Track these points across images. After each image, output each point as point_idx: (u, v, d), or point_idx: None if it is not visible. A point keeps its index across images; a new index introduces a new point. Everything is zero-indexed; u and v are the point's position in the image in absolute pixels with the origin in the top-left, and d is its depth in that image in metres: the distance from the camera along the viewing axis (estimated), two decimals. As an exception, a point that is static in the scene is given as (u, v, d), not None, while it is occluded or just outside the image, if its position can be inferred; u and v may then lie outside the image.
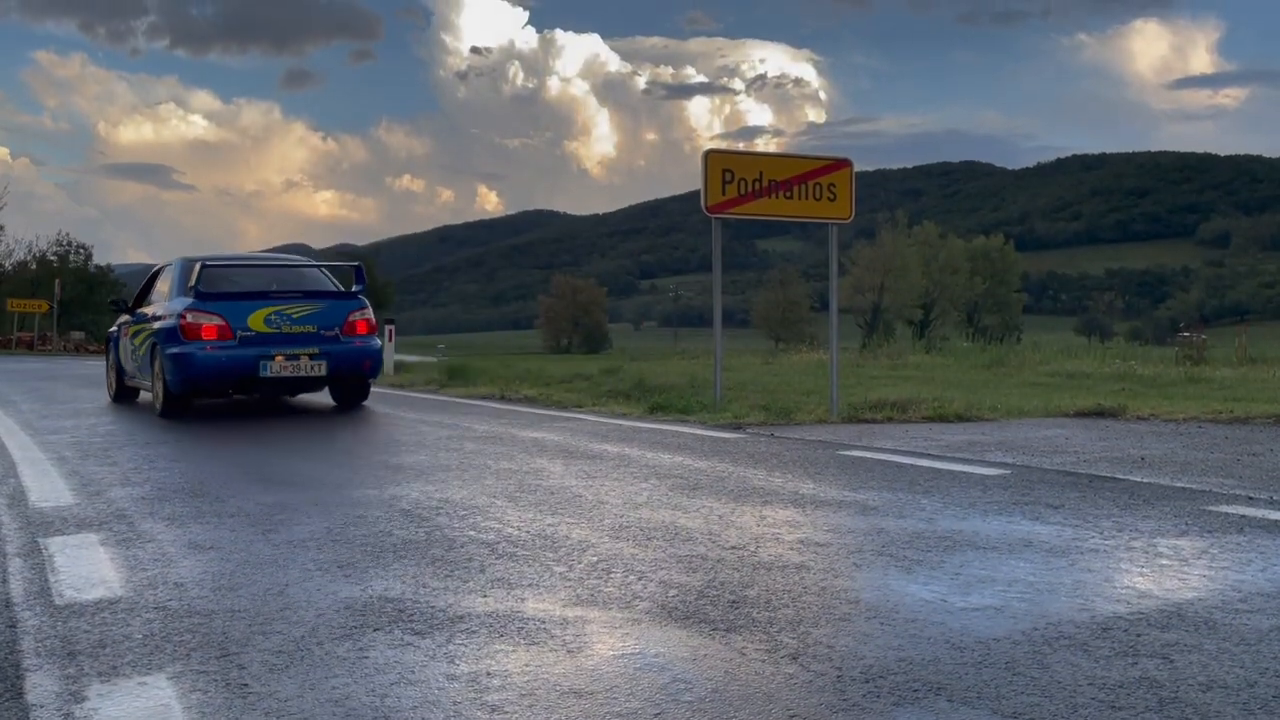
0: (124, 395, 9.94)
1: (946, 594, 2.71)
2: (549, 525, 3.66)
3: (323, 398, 9.44)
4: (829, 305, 9.12)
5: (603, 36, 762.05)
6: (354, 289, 8.94)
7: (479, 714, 1.92)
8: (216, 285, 8.32)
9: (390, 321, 17.93)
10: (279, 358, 8.01)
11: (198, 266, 8.32)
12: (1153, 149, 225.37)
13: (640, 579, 2.89)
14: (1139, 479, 4.62)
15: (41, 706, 1.97)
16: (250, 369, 7.96)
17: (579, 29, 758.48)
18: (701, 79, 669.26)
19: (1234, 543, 3.31)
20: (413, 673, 2.13)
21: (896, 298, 73.68)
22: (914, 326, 70.86)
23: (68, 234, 48.96)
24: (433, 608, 2.60)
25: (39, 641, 2.36)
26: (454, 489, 4.48)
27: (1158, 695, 1.98)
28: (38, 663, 2.21)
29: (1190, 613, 2.52)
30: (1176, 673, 2.10)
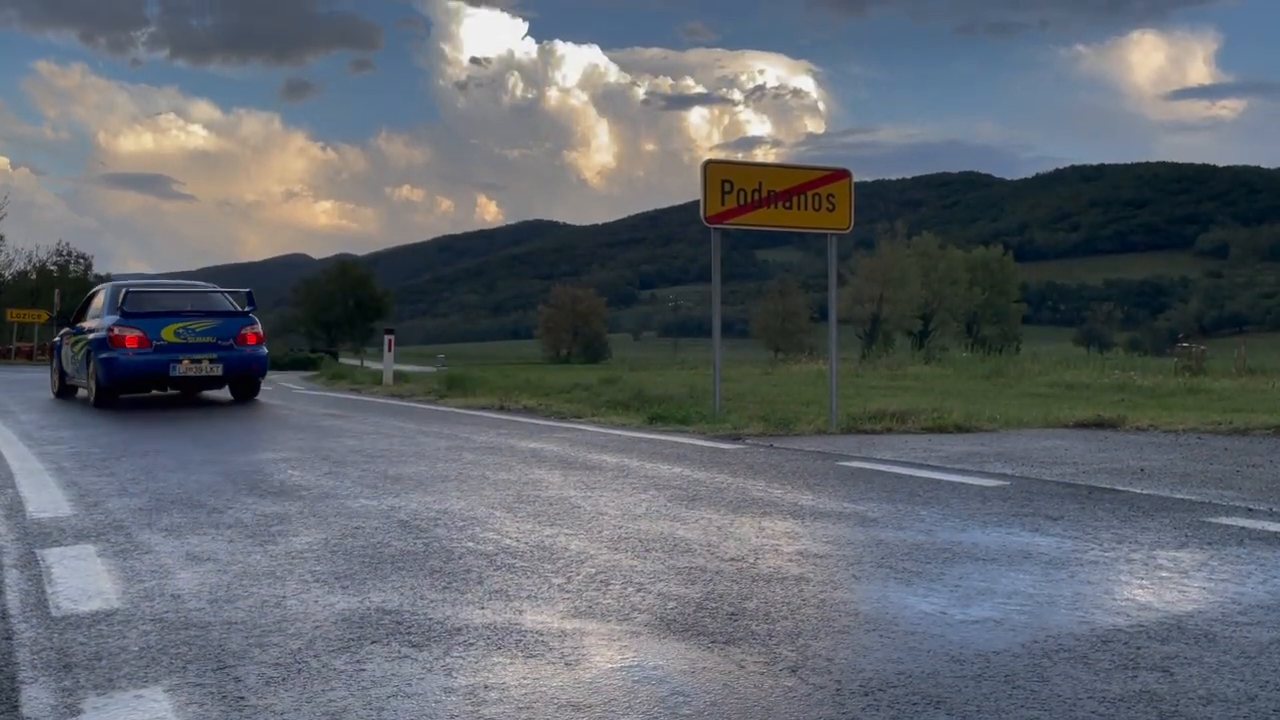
0: (65, 393, 12.23)
1: (946, 606, 2.70)
2: (547, 536, 3.66)
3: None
4: (828, 316, 9.13)
5: (602, 47, 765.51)
6: (246, 309, 11.45)
7: (476, 727, 1.91)
8: (138, 306, 10.77)
9: (389, 331, 17.95)
10: (185, 361, 10.49)
11: (124, 291, 10.93)
12: (1151, 160, 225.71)
13: (639, 591, 2.88)
14: (1138, 490, 4.62)
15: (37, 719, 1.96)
16: (162, 370, 10.47)
17: (578, 40, 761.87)
18: (700, 90, 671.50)
19: (1233, 555, 3.30)
20: (410, 685, 2.12)
21: (896, 308, 73.75)
22: (913, 337, 70.94)
23: (67, 244, 49.23)
24: (430, 620, 2.59)
25: (35, 653, 2.35)
26: (452, 500, 4.47)
27: (1158, 709, 1.97)
28: (33, 675, 2.20)
29: (1190, 625, 2.52)
30: (1177, 686, 2.09)
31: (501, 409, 10.49)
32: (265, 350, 11.35)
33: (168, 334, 10.55)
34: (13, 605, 2.78)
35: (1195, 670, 2.19)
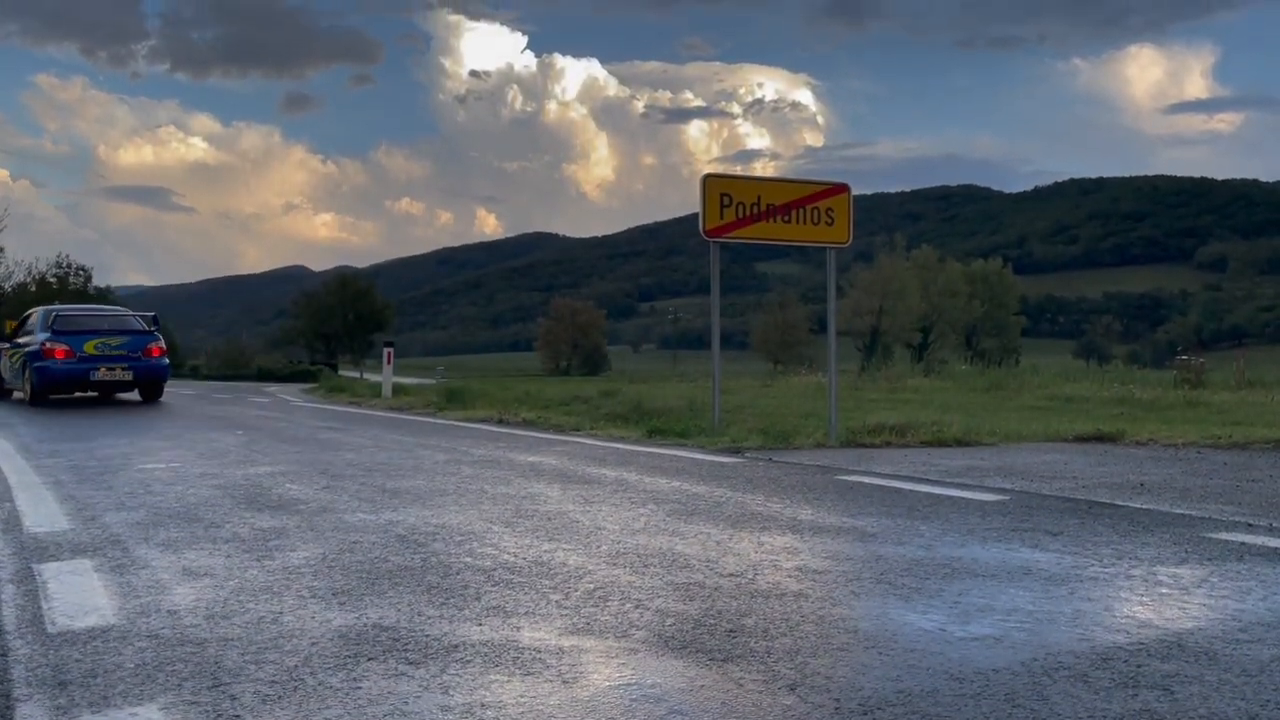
0: (2, 395, 15.22)
1: (945, 623, 2.69)
2: (546, 551, 3.64)
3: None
4: (827, 329, 9.13)
5: (601, 61, 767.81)
6: (152, 329, 14.55)
7: (473, 746, 1.90)
8: (65, 325, 13.71)
9: (389, 344, 17.95)
10: (102, 369, 13.43)
11: (54, 314, 14.11)
12: (1149, 173, 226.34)
13: (637, 607, 2.87)
14: (1138, 505, 4.61)
15: (31, 738, 1.95)
16: (84, 376, 13.40)
17: (577, 54, 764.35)
18: (699, 103, 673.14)
19: (1234, 571, 3.29)
20: (406, 704, 2.11)
21: (895, 321, 73.78)
22: (912, 349, 70.96)
23: (67, 256, 49.03)
24: (427, 636, 2.58)
25: (30, 670, 2.34)
26: (451, 514, 4.46)
27: (1158, 728, 1.96)
28: (28, 692, 2.19)
29: (1191, 643, 2.51)
30: (1177, 705, 2.08)
31: (500, 422, 10.48)
32: (167, 361, 14.60)
33: (89, 347, 13.44)
34: (9, 621, 2.76)
35: (1196, 689, 2.18)
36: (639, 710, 2.07)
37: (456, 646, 2.50)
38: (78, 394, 14.15)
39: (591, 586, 3.12)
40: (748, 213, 8.34)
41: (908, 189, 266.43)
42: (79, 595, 3.05)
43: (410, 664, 2.36)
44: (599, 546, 3.74)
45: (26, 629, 2.69)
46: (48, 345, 13.30)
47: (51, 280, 46.74)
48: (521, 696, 2.15)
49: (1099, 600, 2.94)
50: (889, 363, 32.67)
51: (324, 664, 2.36)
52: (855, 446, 7.39)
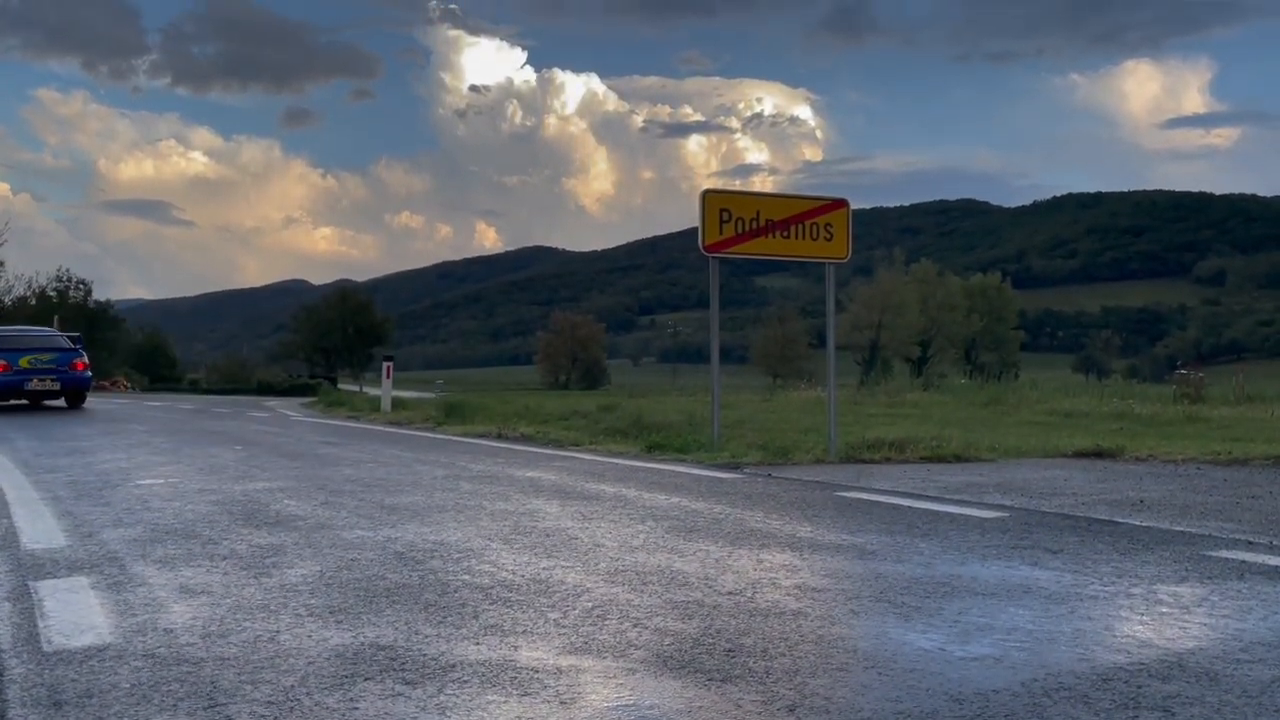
0: None
1: (945, 643, 2.68)
2: (544, 569, 3.63)
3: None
4: (827, 343, 9.13)
5: (600, 76, 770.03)
6: (77, 347, 17.34)
7: (470, 769, 1.88)
8: (3, 344, 16.31)
9: (388, 358, 17.95)
10: (35, 380, 16.00)
11: None
12: (1147, 188, 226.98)
13: (635, 626, 2.86)
14: (1138, 522, 4.60)
15: (25, 760, 1.94)
16: (20, 386, 15.93)
17: (576, 69, 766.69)
18: (698, 118, 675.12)
19: (1234, 590, 3.28)
20: (403, 725, 2.10)
21: (894, 335, 73.86)
22: (911, 364, 70.98)
23: (68, 270, 49.06)
24: (425, 656, 2.57)
25: (25, 690, 2.33)
26: (449, 530, 4.44)
27: (1159, 750, 1.95)
28: (23, 713, 2.18)
29: (1191, 663, 2.50)
30: (1178, 726, 2.07)
31: (499, 436, 10.46)
32: (90, 374, 17.52)
33: (24, 362, 15.99)
34: (4, 640, 2.75)
35: (1197, 710, 2.16)
36: (637, 732, 2.05)
37: (454, 666, 2.49)
38: (13, 401, 16.43)
39: (590, 605, 3.11)
40: (747, 228, 8.36)
41: (906, 203, 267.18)
42: (75, 613, 3.03)
43: (407, 684, 2.35)
44: (597, 564, 3.73)
45: (22, 648, 2.67)
46: None
47: (51, 294, 46.76)
48: (519, 717, 2.14)
49: (1099, 619, 2.93)
50: (888, 377, 32.69)
51: (320, 684, 2.35)
52: (854, 462, 7.38)
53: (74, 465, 7.47)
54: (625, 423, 10.62)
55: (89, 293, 49.21)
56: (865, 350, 72.58)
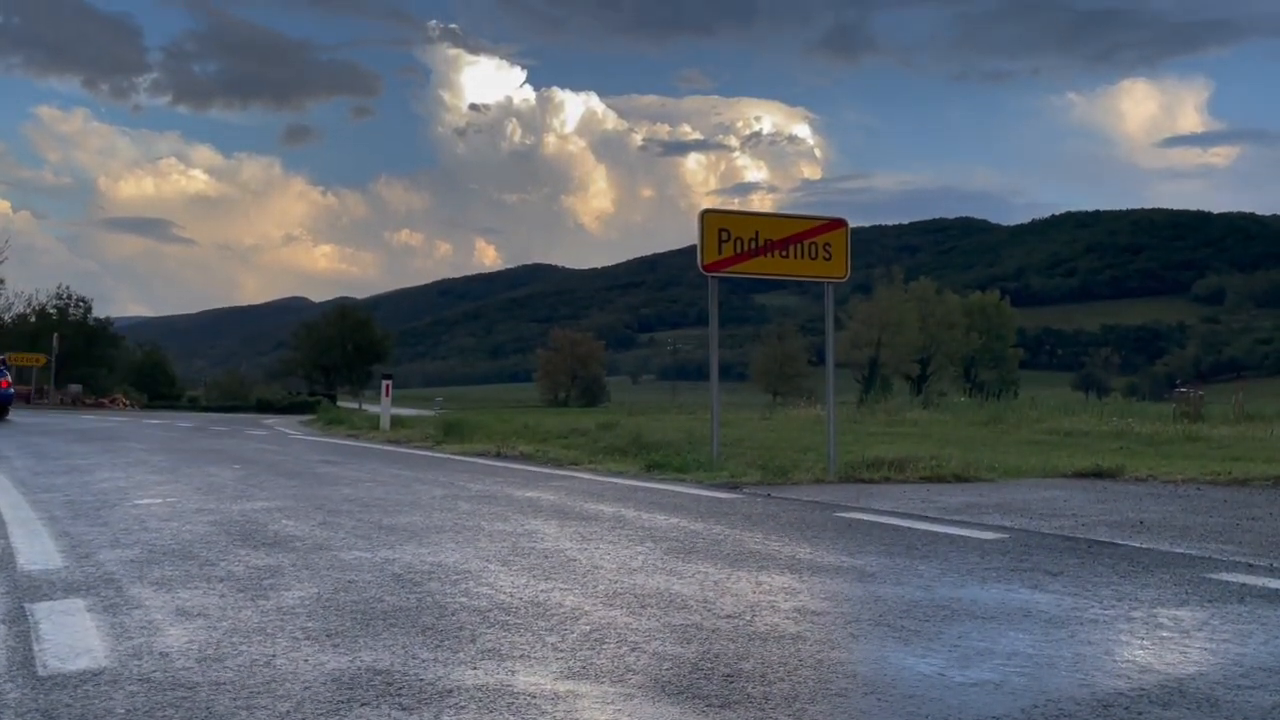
0: None
1: (945, 668, 2.66)
2: (542, 592, 3.62)
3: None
4: (826, 362, 9.14)
5: (599, 95, 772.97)
6: (1, 368, 20.77)
7: (466, 797, 1.87)
8: None
9: (388, 377, 17.96)
10: None
11: None
12: (1145, 206, 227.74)
13: (633, 650, 2.84)
14: (1138, 544, 4.59)
15: (18, 787, 1.92)
16: None
17: (576, 87, 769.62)
18: (697, 136, 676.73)
19: (1235, 613, 3.27)
20: (399, 752, 2.08)
21: (894, 353, 73.91)
22: (911, 381, 71.01)
23: (67, 287, 49.05)
24: (421, 680, 2.56)
25: (19, 715, 2.31)
26: (447, 551, 4.43)
27: (1160, 779, 1.94)
28: (16, 739, 2.17)
29: (1192, 689, 2.48)
30: (1179, 754, 2.06)
31: (498, 455, 10.45)
32: (12, 391, 21.21)
33: None
34: (-1, 664, 2.74)
35: (1198, 737, 2.15)
36: (635, 759, 2.04)
37: (451, 691, 2.47)
38: None
39: (588, 628, 3.09)
40: (746, 248, 8.38)
41: (905, 221, 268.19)
42: (71, 636, 3.02)
43: (404, 710, 2.34)
44: (596, 586, 3.72)
45: (17, 671, 2.66)
46: None
47: (51, 312, 46.77)
48: (516, 744, 2.12)
49: (1099, 644, 2.92)
50: (888, 395, 32.68)
51: (316, 710, 2.34)
52: (854, 482, 7.37)
53: (71, 484, 7.45)
54: (624, 441, 10.61)
55: (88, 310, 49.25)
56: (865, 368, 72.60)
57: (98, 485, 7.39)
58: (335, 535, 4.94)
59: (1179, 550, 4.43)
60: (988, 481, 7.35)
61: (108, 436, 14.13)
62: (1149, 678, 2.58)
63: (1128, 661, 2.74)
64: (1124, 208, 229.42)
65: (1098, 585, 3.70)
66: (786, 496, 6.52)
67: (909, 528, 5.12)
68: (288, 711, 2.32)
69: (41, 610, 3.36)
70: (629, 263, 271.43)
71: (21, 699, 2.43)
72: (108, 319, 52.31)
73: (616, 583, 3.77)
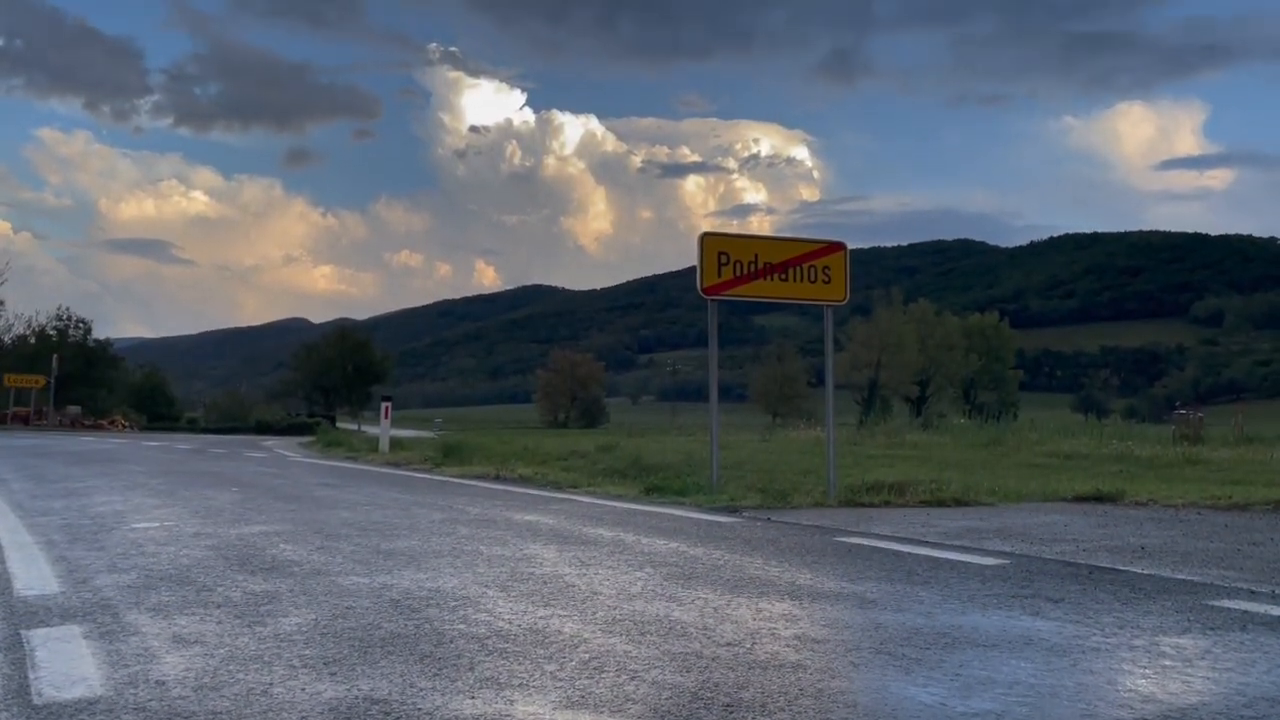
0: None
1: (946, 697, 2.64)
2: (541, 618, 3.60)
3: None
4: (825, 384, 9.13)
5: (599, 117, 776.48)
6: None
7: (464, 831, 1.85)
8: None
9: (387, 399, 17.95)
10: None
11: None
12: (1143, 229, 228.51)
13: (633, 679, 2.82)
14: (1139, 570, 4.57)
15: (11, 820, 1.91)
16: None
17: (575, 110, 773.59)
18: (696, 158, 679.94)
19: (1237, 641, 3.25)
20: (397, 784, 2.06)
21: (893, 374, 73.92)
22: (911, 403, 70.96)
23: (67, 308, 49.22)
24: (419, 710, 2.54)
25: (13, 746, 2.29)
26: (446, 577, 4.41)
27: (1164, 813, 1.92)
28: (11, 770, 2.15)
29: (1195, 719, 2.46)
30: (1183, 787, 2.04)
31: (497, 478, 10.43)
32: None
33: None
34: (-6, 692, 2.72)
35: (1201, 769, 2.13)
36: (634, 792, 2.02)
37: (449, 721, 2.45)
38: None
39: (587, 656, 3.07)
40: (745, 271, 8.40)
41: (904, 243, 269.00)
42: (67, 664, 3.00)
43: (401, 740, 2.32)
44: (595, 613, 3.70)
45: (12, 700, 2.64)
46: None
47: (51, 333, 46.81)
48: (514, 776, 2.11)
49: (1101, 673, 2.90)
50: (887, 416, 32.65)
51: (314, 740, 2.32)
52: (854, 506, 7.35)
53: (69, 508, 7.43)
54: (624, 463, 10.59)
55: (88, 331, 49.33)
56: (864, 389, 72.59)
57: (95, 509, 7.36)
58: (333, 560, 4.92)
59: (1181, 576, 4.41)
60: (988, 506, 7.33)
61: (106, 459, 14.10)
62: (1152, 708, 2.56)
63: (1130, 691, 2.72)
64: (1122, 230, 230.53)
65: (1099, 612, 3.68)
66: (786, 521, 6.50)
67: (909, 553, 5.10)
68: (284, 742, 2.30)
69: (38, 637, 3.34)
70: (628, 284, 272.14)
71: (16, 729, 2.41)
72: (107, 340, 52.38)
73: (616, 609, 3.75)
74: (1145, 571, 4.53)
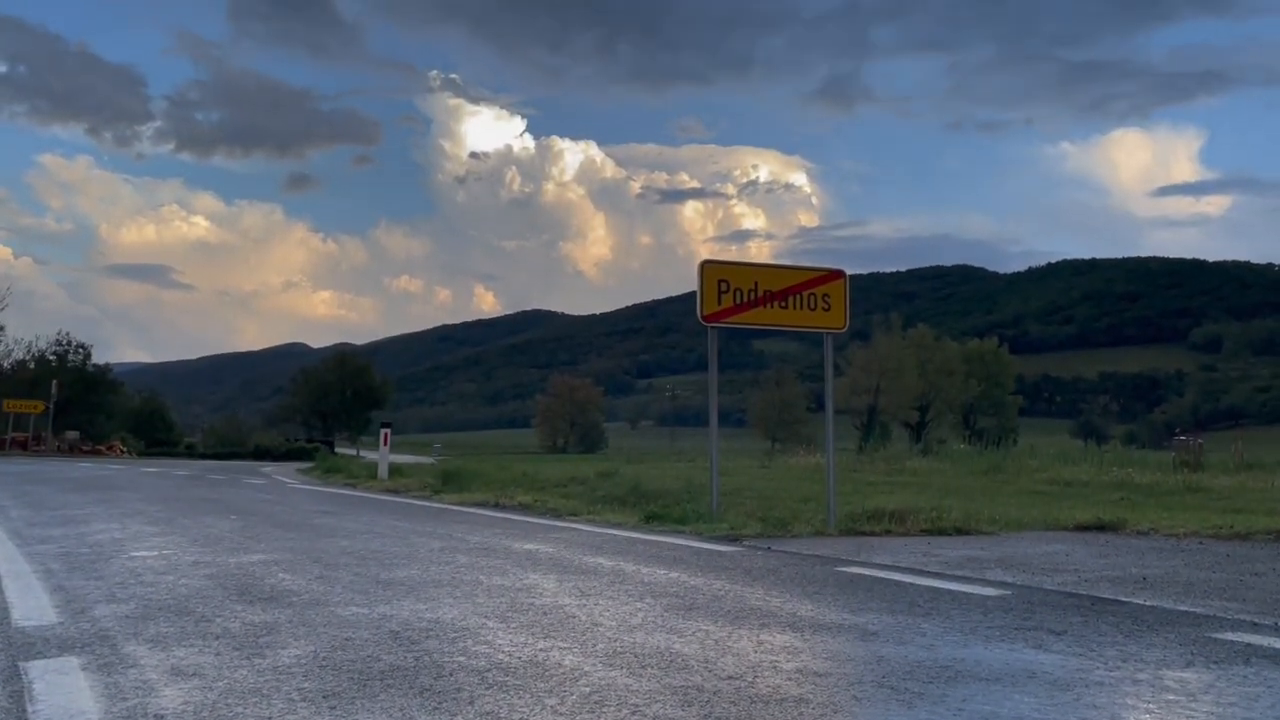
0: None
1: (949, 733, 2.63)
2: (541, 650, 3.58)
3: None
4: (825, 411, 9.13)
5: (598, 143, 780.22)
6: None
7: None
8: None
9: (386, 425, 17.94)
10: None
11: None
12: (1140, 254, 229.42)
13: (634, 713, 2.81)
14: (1142, 601, 4.55)
15: None
16: None
17: (575, 136, 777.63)
18: (695, 184, 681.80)
19: (1240, 675, 3.24)
20: (397, 822, 2.05)
21: (892, 399, 73.88)
22: (910, 429, 70.89)
23: (67, 333, 49.14)
24: (420, 746, 2.52)
25: (11, 783, 2.28)
26: (445, 608, 4.39)
27: None
28: (8, 808, 2.13)
29: (1200, 756, 2.45)
30: (1188, 826, 2.03)
31: (497, 505, 10.40)
32: None
33: None
34: (-9, 727, 2.70)
35: (1207, 808, 2.12)
36: (636, 831, 2.01)
37: (449, 757, 2.43)
38: None
39: (587, 689, 3.06)
40: (745, 299, 8.43)
41: (902, 268, 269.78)
42: (65, 697, 2.98)
43: (401, 777, 2.30)
44: (595, 645, 3.68)
45: (9, 735, 2.62)
46: None
47: (50, 358, 46.80)
48: (515, 815, 2.09)
49: (1105, 707, 2.89)
50: (886, 442, 32.60)
51: (313, 777, 2.30)
52: (854, 534, 7.33)
53: (67, 536, 7.40)
54: (623, 490, 10.58)
55: (88, 356, 49.28)
56: (864, 415, 72.53)
57: (93, 537, 7.34)
58: (333, 590, 4.90)
59: (1183, 608, 4.40)
60: (989, 534, 7.32)
61: (104, 486, 14.07)
62: (1156, 744, 2.54)
63: (1134, 726, 2.70)
64: (1119, 256, 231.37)
65: (1102, 645, 3.66)
66: (787, 550, 6.48)
67: (911, 583, 5.09)
68: (284, 779, 2.29)
69: (36, 669, 3.32)
70: (628, 309, 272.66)
71: (13, 765, 2.40)
72: (107, 365, 52.33)
73: (616, 641, 3.74)
74: (1148, 603, 4.52)
